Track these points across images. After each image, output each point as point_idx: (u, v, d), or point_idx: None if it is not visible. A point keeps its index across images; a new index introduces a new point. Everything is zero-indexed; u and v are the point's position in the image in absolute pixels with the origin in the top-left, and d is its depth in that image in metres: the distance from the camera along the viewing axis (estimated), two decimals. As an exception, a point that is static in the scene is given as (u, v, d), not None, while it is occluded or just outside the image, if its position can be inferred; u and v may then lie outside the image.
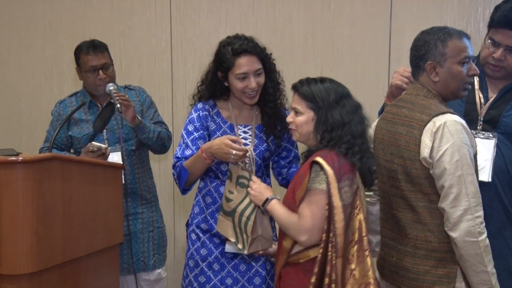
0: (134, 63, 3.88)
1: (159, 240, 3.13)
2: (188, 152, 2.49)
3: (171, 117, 3.82)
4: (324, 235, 1.99)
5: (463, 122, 2.05)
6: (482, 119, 2.46)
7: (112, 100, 2.84)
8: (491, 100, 2.48)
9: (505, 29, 2.37)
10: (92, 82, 2.93)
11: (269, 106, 2.52)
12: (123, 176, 2.87)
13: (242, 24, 3.70)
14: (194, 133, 2.51)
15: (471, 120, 2.35)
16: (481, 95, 2.49)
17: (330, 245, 1.97)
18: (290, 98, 2.22)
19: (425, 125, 2.03)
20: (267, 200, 2.15)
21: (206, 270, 2.52)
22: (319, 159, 2.01)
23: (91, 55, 2.91)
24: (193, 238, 2.58)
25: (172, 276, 3.93)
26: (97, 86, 2.93)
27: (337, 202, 1.97)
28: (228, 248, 2.49)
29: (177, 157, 2.51)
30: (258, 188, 2.21)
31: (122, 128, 2.97)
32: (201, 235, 2.56)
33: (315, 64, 3.62)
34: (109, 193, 2.74)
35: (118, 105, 2.76)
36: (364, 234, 2.03)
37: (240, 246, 2.30)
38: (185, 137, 2.52)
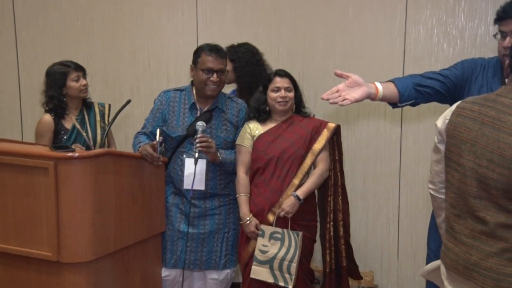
0: (162, 64, 4.00)
1: (233, 242, 3.11)
2: None
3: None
4: None
5: None
6: None
7: (195, 146, 2.86)
8: None
9: (509, 19, 2.47)
10: (204, 81, 2.94)
11: None
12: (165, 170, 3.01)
13: (265, 27, 3.81)
14: None
15: None
16: None
17: None
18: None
19: None
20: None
21: None
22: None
23: (212, 57, 2.94)
24: None
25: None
26: (206, 85, 2.96)
27: None
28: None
29: None
30: None
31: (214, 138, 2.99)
32: None
33: (334, 64, 3.66)
34: (153, 186, 2.90)
35: (196, 155, 2.83)
36: None
37: (282, 283, 2.83)
38: None
